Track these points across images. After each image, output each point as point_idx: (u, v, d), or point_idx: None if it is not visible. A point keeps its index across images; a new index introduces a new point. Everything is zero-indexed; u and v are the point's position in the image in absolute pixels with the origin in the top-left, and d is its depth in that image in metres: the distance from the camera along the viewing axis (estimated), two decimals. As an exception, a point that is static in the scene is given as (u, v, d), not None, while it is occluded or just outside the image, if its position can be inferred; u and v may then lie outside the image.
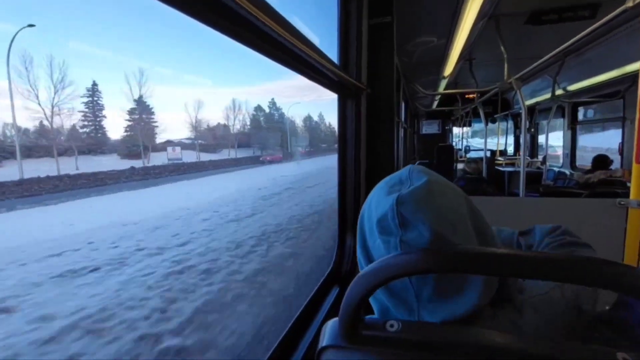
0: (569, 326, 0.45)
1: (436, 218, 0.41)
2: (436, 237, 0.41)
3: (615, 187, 2.71)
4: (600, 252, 0.49)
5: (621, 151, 3.72)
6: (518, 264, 0.33)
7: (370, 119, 1.48)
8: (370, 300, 0.50)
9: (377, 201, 0.46)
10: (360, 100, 1.39)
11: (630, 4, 1.20)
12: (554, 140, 5.52)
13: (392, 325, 0.42)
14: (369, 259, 0.48)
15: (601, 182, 2.90)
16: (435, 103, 6.10)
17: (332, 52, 1.13)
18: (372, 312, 0.51)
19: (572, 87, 3.68)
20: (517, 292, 0.48)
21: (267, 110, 38.79)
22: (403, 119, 3.92)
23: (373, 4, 1.40)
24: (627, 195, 1.48)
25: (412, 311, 0.44)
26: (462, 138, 8.75)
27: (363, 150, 1.46)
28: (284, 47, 0.73)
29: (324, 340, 0.44)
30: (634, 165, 1.42)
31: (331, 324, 0.45)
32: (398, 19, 1.46)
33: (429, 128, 7.36)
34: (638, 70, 2.16)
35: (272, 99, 38.82)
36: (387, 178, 0.49)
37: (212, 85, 41.89)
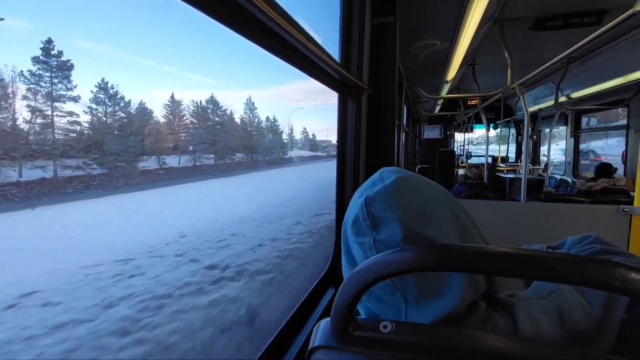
0: (573, 333, 0.43)
1: (407, 214, 0.41)
2: (409, 233, 0.41)
3: (618, 196, 2.69)
4: None
5: (624, 160, 3.70)
6: (502, 261, 0.31)
7: (371, 120, 1.47)
8: (359, 307, 0.48)
9: (352, 205, 0.47)
10: (361, 100, 1.37)
11: (638, 7, 1.18)
12: (553, 148, 5.51)
13: (385, 327, 0.40)
14: (352, 264, 0.47)
15: (603, 190, 2.87)
16: (438, 108, 6.09)
17: (333, 50, 1.12)
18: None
19: (576, 95, 3.66)
20: (508, 294, 0.47)
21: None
22: (405, 123, 3.90)
23: (376, 3, 1.38)
24: (630, 204, 1.47)
25: (399, 313, 0.43)
26: (465, 144, 8.73)
27: (363, 152, 1.44)
28: (287, 42, 0.72)
29: (315, 341, 0.42)
30: (638, 173, 1.41)
31: (323, 324, 0.44)
32: (401, 20, 1.44)
33: (431, 133, 7.34)
34: None
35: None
36: (363, 183, 0.49)
37: (213, 85, 41.07)
